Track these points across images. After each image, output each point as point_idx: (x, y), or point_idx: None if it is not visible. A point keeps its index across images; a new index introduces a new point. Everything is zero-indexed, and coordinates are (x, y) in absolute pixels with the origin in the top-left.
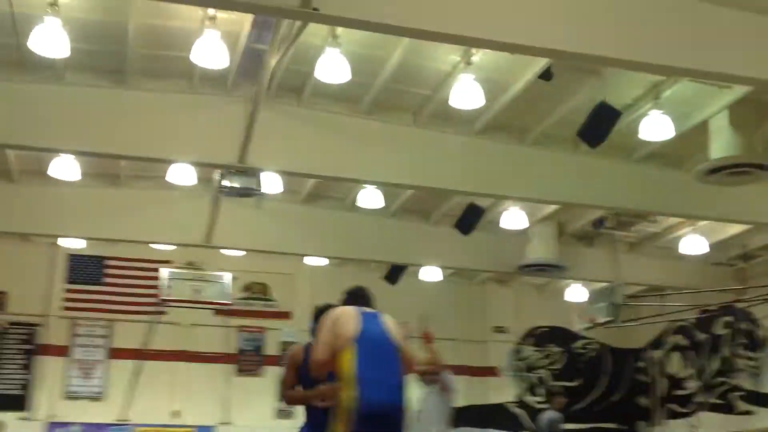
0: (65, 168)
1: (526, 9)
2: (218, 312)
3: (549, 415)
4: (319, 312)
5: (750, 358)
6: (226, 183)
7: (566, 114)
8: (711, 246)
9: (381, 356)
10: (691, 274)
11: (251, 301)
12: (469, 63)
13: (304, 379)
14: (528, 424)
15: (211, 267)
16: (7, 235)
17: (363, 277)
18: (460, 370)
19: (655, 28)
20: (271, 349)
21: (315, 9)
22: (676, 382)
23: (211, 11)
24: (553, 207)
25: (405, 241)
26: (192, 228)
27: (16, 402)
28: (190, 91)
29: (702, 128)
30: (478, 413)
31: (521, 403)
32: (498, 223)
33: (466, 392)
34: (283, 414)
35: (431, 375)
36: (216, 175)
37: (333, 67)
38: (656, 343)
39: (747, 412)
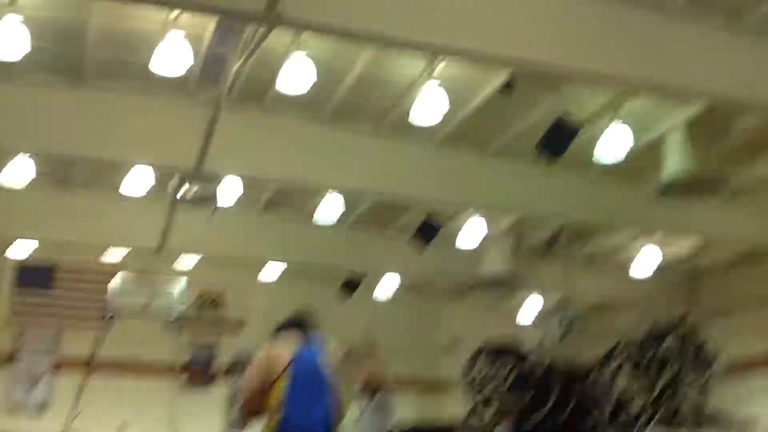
0: (16, 170)
1: (489, 19)
2: (168, 322)
3: (499, 431)
4: (279, 328)
5: (698, 375)
6: (182, 189)
7: (526, 127)
8: (663, 262)
9: (311, 384)
10: (642, 289)
11: (203, 312)
12: (431, 74)
13: None
14: None
15: (164, 277)
16: None
17: (319, 288)
18: (412, 384)
19: (616, 41)
20: (223, 361)
21: (279, 14)
22: (624, 398)
23: (173, 13)
24: (509, 221)
25: (362, 252)
26: (146, 235)
27: None
28: (150, 93)
29: (658, 144)
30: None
31: (471, 420)
32: (455, 236)
33: (417, 407)
34: (233, 428)
35: (370, 391)
36: (173, 181)
37: (296, 74)
38: (606, 359)
39: (694, 429)
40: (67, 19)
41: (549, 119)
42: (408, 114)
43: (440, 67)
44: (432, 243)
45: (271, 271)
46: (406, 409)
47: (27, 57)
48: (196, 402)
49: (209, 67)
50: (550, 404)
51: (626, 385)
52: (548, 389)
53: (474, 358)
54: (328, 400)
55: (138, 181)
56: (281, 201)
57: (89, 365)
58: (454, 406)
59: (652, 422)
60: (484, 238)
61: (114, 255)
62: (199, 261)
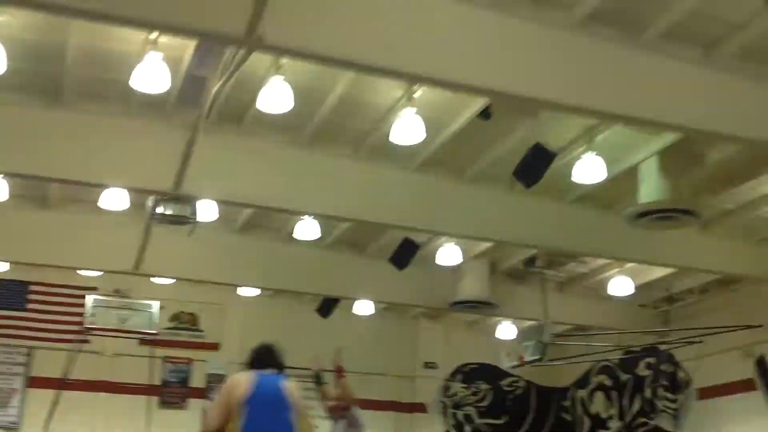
0: None
1: (466, 48)
2: (143, 341)
3: None
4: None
5: (671, 400)
6: (159, 210)
7: (503, 153)
8: (637, 288)
9: (269, 416)
10: (616, 314)
11: (178, 331)
12: (410, 99)
13: None
14: None
15: (139, 295)
16: None
17: (295, 309)
18: (389, 405)
19: (592, 73)
20: (198, 381)
21: (259, 38)
22: (599, 422)
23: (153, 35)
24: (486, 245)
25: (339, 274)
26: (122, 255)
27: None
28: (128, 115)
29: (632, 172)
30: None
31: None
32: (432, 259)
33: (393, 429)
34: None
35: (340, 410)
36: (149, 201)
37: (275, 97)
38: (581, 383)
39: None
40: (46, 39)
41: (526, 146)
42: (387, 138)
43: (419, 92)
44: (409, 265)
45: (248, 291)
46: (382, 430)
47: (4, 76)
48: (170, 422)
49: (188, 88)
50: (525, 426)
51: (601, 409)
52: (524, 411)
53: (450, 379)
54: (287, 425)
55: (115, 201)
56: (259, 223)
57: (62, 384)
58: (431, 427)
59: None
60: (461, 262)
61: (89, 274)
62: (175, 281)
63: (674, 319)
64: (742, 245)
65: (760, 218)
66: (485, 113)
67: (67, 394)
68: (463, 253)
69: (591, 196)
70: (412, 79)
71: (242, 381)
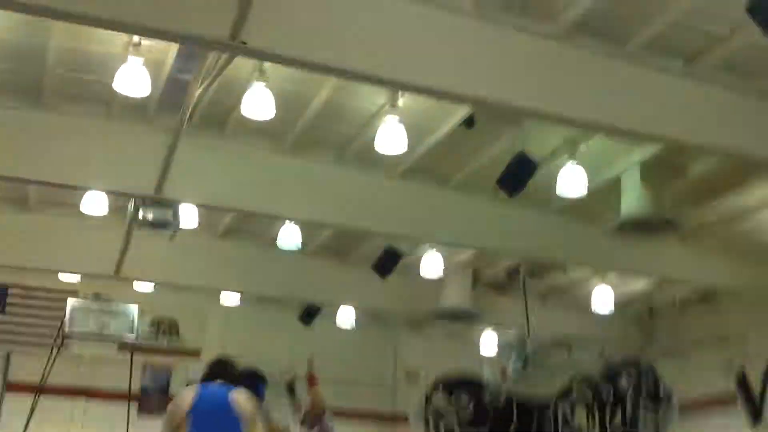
0: None
1: (451, 57)
2: (122, 347)
3: None
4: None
5: (652, 412)
6: (140, 214)
7: (487, 162)
8: (619, 300)
9: (213, 427)
10: (598, 326)
11: (159, 338)
12: (394, 106)
13: None
14: None
15: (119, 300)
16: None
17: (277, 317)
18: (370, 416)
19: (574, 83)
20: (178, 388)
21: (243, 42)
22: None
23: (135, 38)
24: (469, 254)
25: (321, 281)
26: (102, 258)
27: None
28: (110, 117)
29: (615, 183)
30: None
31: None
32: (415, 268)
33: None
34: None
35: (313, 418)
36: (130, 205)
37: (258, 102)
38: (563, 395)
39: None
40: (27, 40)
41: (509, 155)
42: (370, 145)
43: (402, 99)
44: (391, 274)
45: (229, 298)
46: None
47: None
48: (149, 429)
49: (170, 92)
50: None
51: (582, 421)
52: (506, 423)
53: (432, 390)
54: None
55: (95, 204)
56: (240, 228)
57: (40, 389)
58: None
59: None
60: (444, 271)
61: (69, 278)
62: (156, 286)
63: (656, 330)
64: (723, 258)
65: (742, 231)
66: (469, 122)
67: (47, 400)
68: (445, 263)
69: (574, 206)
70: (395, 85)
71: (187, 395)
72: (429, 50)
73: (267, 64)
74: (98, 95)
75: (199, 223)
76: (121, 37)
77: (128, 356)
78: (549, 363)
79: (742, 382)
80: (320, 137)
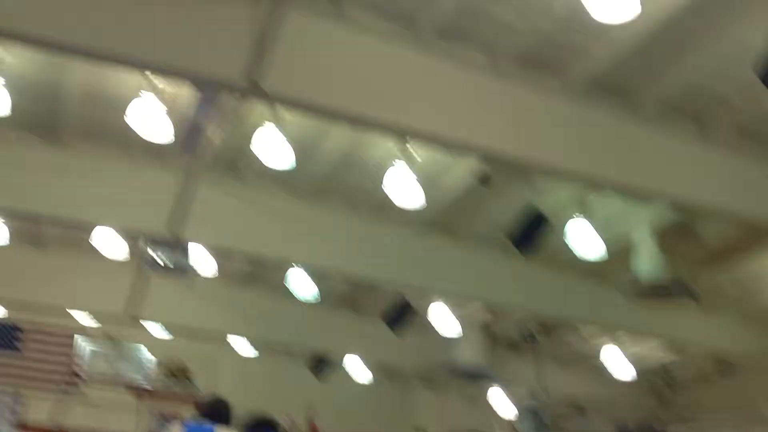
0: None
1: (465, 109)
2: (134, 392)
3: None
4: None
5: None
6: (153, 256)
7: (501, 216)
8: (633, 364)
9: None
10: (612, 390)
11: (170, 383)
12: (408, 158)
13: None
14: None
15: (130, 343)
16: None
17: (289, 367)
18: None
19: (585, 140)
20: None
21: (258, 86)
22: None
23: (153, 79)
24: (484, 311)
25: (334, 332)
26: (116, 300)
27: None
28: (125, 157)
29: (630, 243)
30: None
31: None
32: (428, 322)
33: None
34: None
35: None
36: (144, 246)
37: (273, 148)
38: None
39: None
40: (46, 78)
41: (522, 211)
42: (384, 196)
43: (417, 152)
44: (403, 327)
45: (242, 346)
46: None
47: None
48: None
49: (186, 133)
50: None
51: None
52: None
53: None
54: None
55: (110, 244)
56: (254, 274)
57: (51, 430)
58: None
59: None
60: (457, 327)
61: (82, 318)
62: (169, 330)
63: (671, 397)
64: (738, 323)
65: (756, 296)
66: (484, 179)
67: None
68: (459, 319)
69: (587, 264)
70: (406, 133)
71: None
72: (442, 101)
73: (284, 112)
74: (115, 134)
75: (215, 269)
76: (138, 78)
77: (138, 401)
78: (562, 426)
79: None
80: (334, 184)
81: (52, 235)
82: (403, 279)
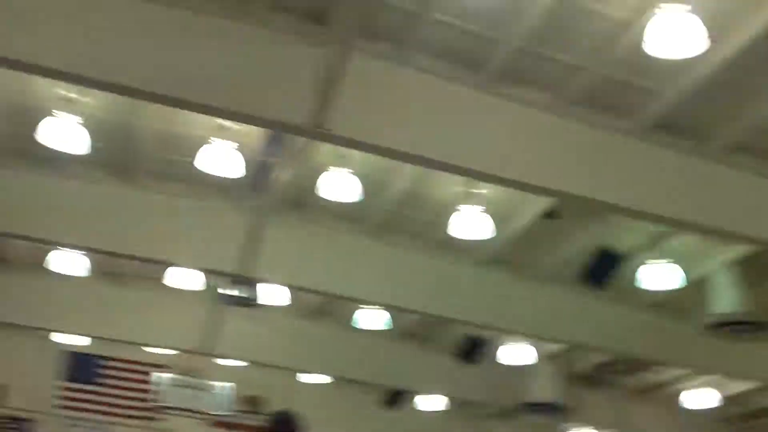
0: (68, 262)
1: (532, 150)
2: (215, 423)
3: None
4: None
5: None
6: (225, 291)
7: (571, 253)
8: (715, 401)
9: None
10: (694, 427)
11: (247, 413)
12: (475, 195)
13: None
14: None
15: (206, 375)
16: (9, 327)
17: (361, 399)
18: None
19: (655, 180)
20: None
21: (327, 130)
22: None
23: (223, 122)
24: (557, 346)
25: (405, 366)
26: (191, 334)
27: None
28: (197, 196)
29: (705, 279)
30: None
31: None
32: (501, 356)
33: None
34: None
35: None
36: (216, 284)
37: (340, 186)
38: None
39: None
40: (121, 120)
41: (593, 247)
42: (450, 232)
43: (483, 189)
44: (474, 361)
45: (315, 378)
46: None
47: (81, 154)
48: None
49: (255, 173)
50: None
51: None
52: None
53: None
54: None
55: (185, 280)
56: (325, 309)
57: None
58: None
59: None
60: (532, 362)
61: (161, 351)
62: (243, 364)
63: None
64: None
65: None
66: (552, 214)
67: None
68: (533, 353)
69: (663, 302)
70: (472, 175)
71: None
72: (507, 142)
73: (351, 150)
74: (187, 174)
75: (286, 304)
76: (210, 121)
77: (218, 430)
78: None
79: None
80: (401, 223)
81: (131, 271)
82: (473, 317)
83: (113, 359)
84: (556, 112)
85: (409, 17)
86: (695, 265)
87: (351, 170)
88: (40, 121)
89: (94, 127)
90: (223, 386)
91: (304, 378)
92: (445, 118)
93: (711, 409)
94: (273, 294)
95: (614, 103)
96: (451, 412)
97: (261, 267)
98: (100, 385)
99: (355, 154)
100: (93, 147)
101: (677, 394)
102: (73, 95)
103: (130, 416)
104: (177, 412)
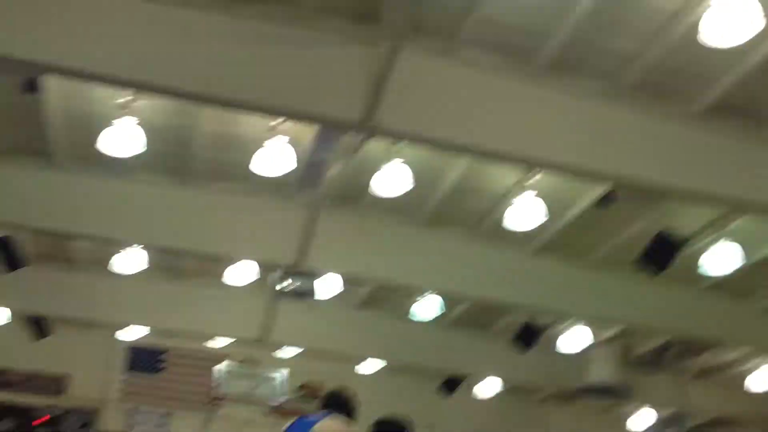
0: (129, 261)
1: (586, 134)
2: (272, 410)
3: None
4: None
5: None
6: (282, 284)
7: (628, 238)
8: None
9: None
10: (760, 406)
11: (305, 401)
12: (528, 182)
13: None
14: None
15: (263, 365)
16: (74, 322)
17: (417, 386)
18: None
19: (715, 161)
20: None
21: (377, 126)
22: None
23: (275, 121)
24: (618, 329)
25: (461, 352)
26: (248, 325)
27: None
28: (252, 193)
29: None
30: None
31: None
32: (558, 340)
33: None
34: None
35: None
36: (273, 275)
37: (392, 180)
38: None
39: None
40: (177, 123)
41: (652, 231)
42: (503, 221)
43: (538, 175)
44: (533, 347)
45: (370, 365)
46: None
47: (140, 156)
48: None
49: (308, 170)
50: None
51: None
52: None
53: None
54: None
55: (241, 273)
56: (380, 298)
57: None
58: None
59: None
60: (590, 345)
61: (219, 342)
62: (300, 351)
63: None
64: None
65: None
66: (607, 199)
67: None
68: (592, 337)
69: (724, 284)
70: (529, 163)
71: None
72: (562, 131)
73: (400, 147)
74: (241, 173)
75: (340, 293)
76: (262, 120)
77: (277, 419)
78: None
79: None
80: (454, 213)
81: (189, 265)
82: (529, 302)
83: (173, 350)
84: (610, 99)
85: (458, 12)
86: (756, 246)
87: (402, 164)
88: (99, 125)
89: (151, 130)
90: (279, 375)
91: (360, 368)
92: (497, 107)
93: None
94: (327, 286)
95: (668, 89)
96: (507, 397)
97: (316, 259)
98: (161, 375)
99: (405, 151)
100: (150, 150)
101: (740, 376)
102: (130, 99)
103: (192, 403)
104: (235, 400)
